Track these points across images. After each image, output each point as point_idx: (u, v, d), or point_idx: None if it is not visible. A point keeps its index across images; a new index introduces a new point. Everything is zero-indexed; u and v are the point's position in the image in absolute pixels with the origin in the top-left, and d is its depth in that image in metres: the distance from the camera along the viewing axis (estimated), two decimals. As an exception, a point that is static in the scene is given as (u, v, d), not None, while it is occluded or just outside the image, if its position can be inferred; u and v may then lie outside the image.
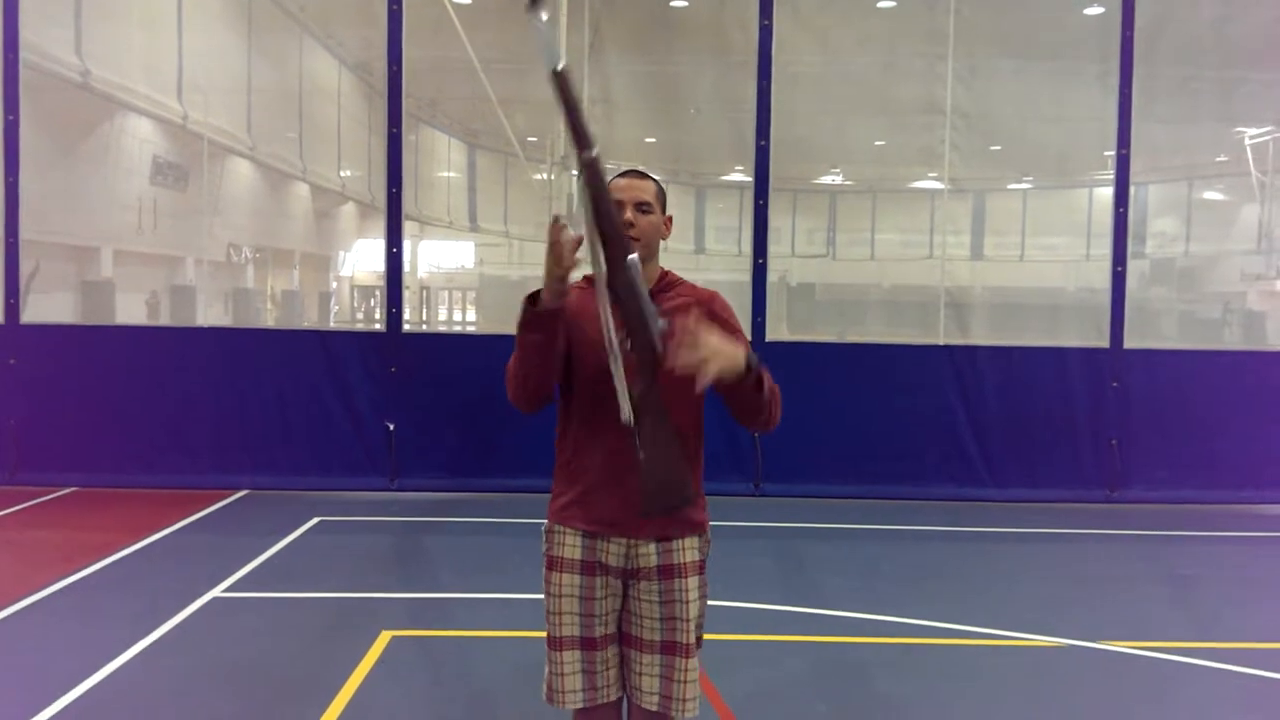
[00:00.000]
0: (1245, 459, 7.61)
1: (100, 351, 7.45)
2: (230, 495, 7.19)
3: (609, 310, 2.00)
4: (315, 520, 6.53)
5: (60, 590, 4.92)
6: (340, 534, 6.34)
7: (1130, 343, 7.72)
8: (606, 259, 1.99)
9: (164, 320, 10.41)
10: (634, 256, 2.00)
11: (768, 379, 2.08)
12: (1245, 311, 12.32)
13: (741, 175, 8.63)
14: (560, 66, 1.97)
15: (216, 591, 4.93)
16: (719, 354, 1.92)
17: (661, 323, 1.99)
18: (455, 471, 7.45)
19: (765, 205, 7.70)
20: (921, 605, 4.99)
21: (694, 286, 2.32)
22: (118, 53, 9.54)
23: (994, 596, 5.27)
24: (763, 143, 7.65)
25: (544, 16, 1.97)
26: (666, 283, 2.28)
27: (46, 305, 8.40)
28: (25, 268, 7.56)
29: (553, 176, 9.00)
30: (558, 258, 1.97)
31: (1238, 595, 5.45)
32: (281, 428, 7.42)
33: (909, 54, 8.42)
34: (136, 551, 5.69)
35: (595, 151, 1.99)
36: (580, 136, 2.00)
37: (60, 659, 3.98)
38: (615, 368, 2.00)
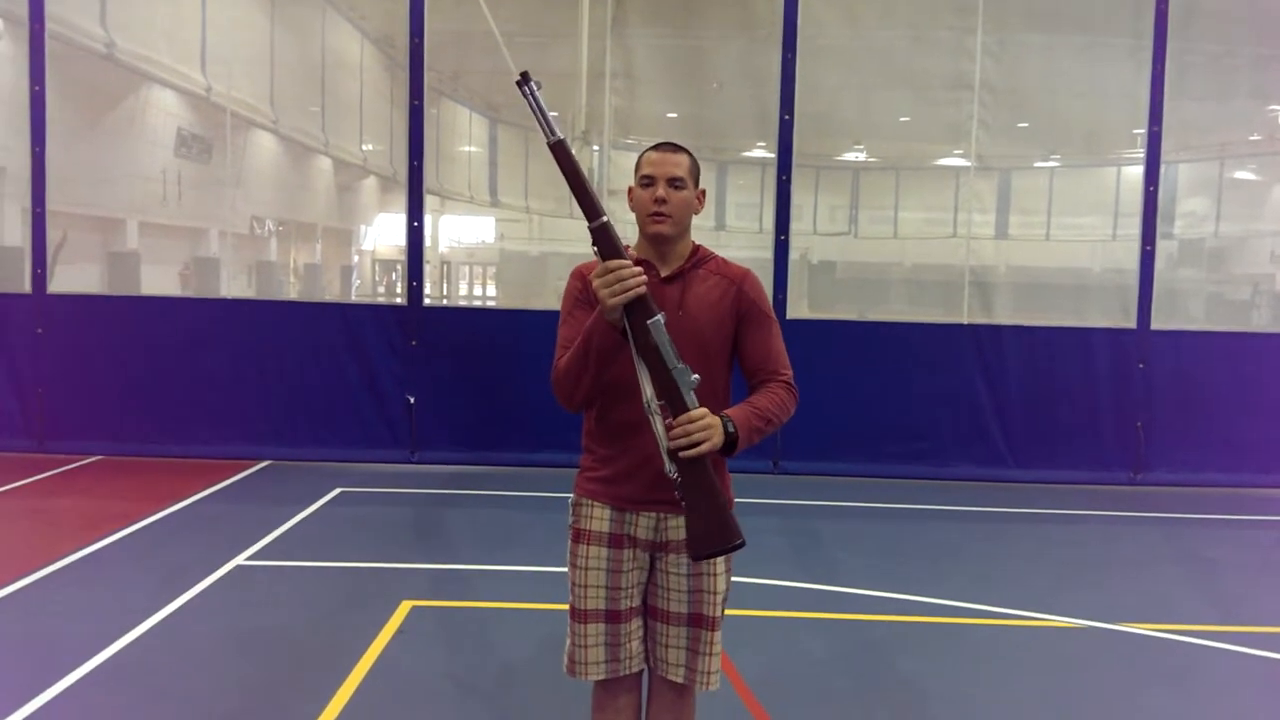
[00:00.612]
0: (1272, 442, 7.50)
1: (126, 322, 7.53)
2: (252, 465, 7.27)
3: (644, 371, 2.00)
4: (337, 491, 6.59)
5: (84, 558, 5.01)
6: (361, 505, 6.40)
7: (1157, 324, 7.61)
8: (630, 324, 1.98)
9: (189, 292, 10.50)
10: (658, 318, 1.98)
11: (759, 413, 2.11)
12: (1275, 294, 12.09)
13: (764, 151, 8.54)
14: (557, 138, 2.02)
15: (239, 560, 5.00)
16: (714, 434, 1.99)
17: (693, 377, 1.99)
18: (475, 445, 7.49)
19: (788, 181, 7.62)
20: (940, 584, 4.98)
21: (725, 262, 2.29)
22: (142, 24, 9.55)
23: (1013, 577, 5.25)
24: (786, 117, 7.56)
25: (537, 87, 2.01)
26: (698, 258, 2.26)
27: (73, 276, 8.47)
28: (53, 238, 7.63)
29: (575, 152, 8.95)
30: (611, 294, 1.96)
31: (1262, 579, 5.40)
32: (303, 399, 7.48)
33: (937, 27, 8.27)
34: (160, 520, 5.78)
35: (604, 219, 2.00)
36: (586, 206, 2.01)
37: (84, 625, 4.05)
38: (655, 423, 2.00)
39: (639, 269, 1.98)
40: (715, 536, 1.99)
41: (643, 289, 1.96)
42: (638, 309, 1.97)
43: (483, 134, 13.62)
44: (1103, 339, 7.60)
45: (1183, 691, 3.78)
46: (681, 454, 1.96)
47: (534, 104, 2.03)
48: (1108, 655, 4.11)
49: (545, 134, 2.03)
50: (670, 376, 1.97)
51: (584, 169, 2.08)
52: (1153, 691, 3.76)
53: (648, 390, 1.99)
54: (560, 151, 2.04)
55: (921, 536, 6.10)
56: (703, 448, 1.96)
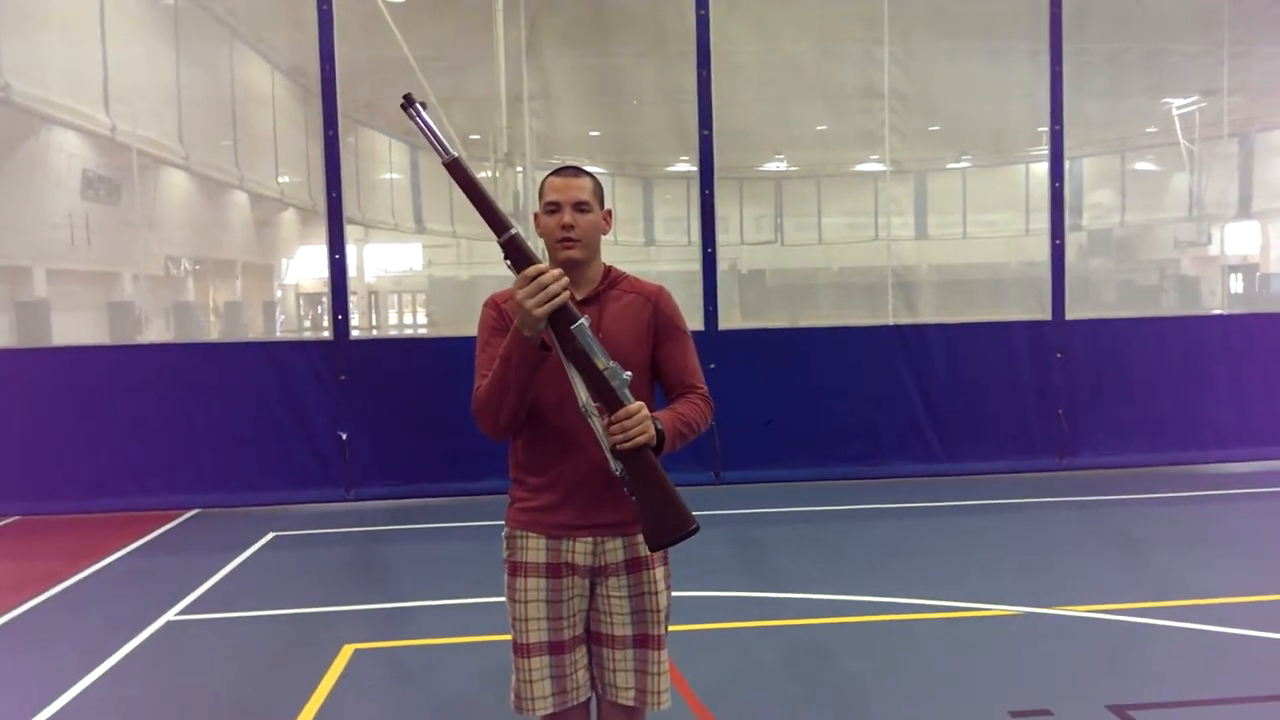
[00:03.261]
0: (1186, 421, 7.84)
1: (38, 375, 7.20)
2: (181, 515, 7.02)
3: (576, 376, 2.00)
4: (270, 536, 6.40)
5: (8, 622, 4.76)
6: (297, 548, 6.22)
7: (1072, 313, 7.91)
8: (554, 332, 1.98)
9: (104, 339, 10.10)
10: (582, 321, 1.98)
11: (682, 418, 2.14)
12: (1180, 277, 12.69)
13: (687, 165, 8.64)
14: (452, 157, 2.01)
15: (171, 615, 4.81)
16: (649, 428, 2.01)
17: (626, 375, 1.99)
18: (412, 478, 7.36)
19: (711, 194, 7.71)
20: (883, 582, 5.06)
21: (639, 281, 2.30)
22: (40, 65, 9.20)
23: (951, 569, 5.36)
24: (706, 132, 7.66)
25: (423, 109, 2.00)
26: (611, 279, 2.26)
27: (-23, 330, 8.08)
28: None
29: (497, 174, 8.91)
30: (536, 303, 1.95)
31: (1189, 554, 5.61)
32: (231, 443, 7.25)
33: (845, 39, 8.49)
34: (85, 579, 5.53)
35: (513, 231, 2.00)
36: (492, 221, 2.01)
37: (10, 693, 3.85)
38: (594, 424, 2.01)
39: (559, 271, 1.98)
40: (669, 526, 1.99)
41: (567, 292, 1.97)
42: (560, 316, 1.97)
43: (404, 160, 13.46)
44: (1021, 331, 7.86)
45: (1124, 669, 3.90)
46: (619, 446, 1.97)
47: (423, 126, 2.01)
48: (1048, 640, 4.22)
49: (439, 154, 2.02)
50: (602, 376, 1.98)
51: (485, 184, 2.07)
52: (1096, 672, 3.87)
53: (582, 395, 2.00)
54: (456, 170, 2.02)
55: (862, 536, 6.19)
56: (639, 440, 1.98)
